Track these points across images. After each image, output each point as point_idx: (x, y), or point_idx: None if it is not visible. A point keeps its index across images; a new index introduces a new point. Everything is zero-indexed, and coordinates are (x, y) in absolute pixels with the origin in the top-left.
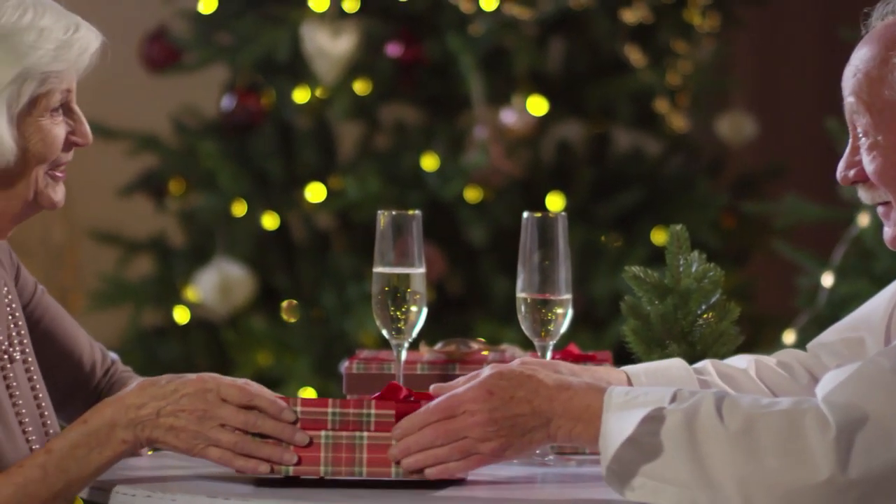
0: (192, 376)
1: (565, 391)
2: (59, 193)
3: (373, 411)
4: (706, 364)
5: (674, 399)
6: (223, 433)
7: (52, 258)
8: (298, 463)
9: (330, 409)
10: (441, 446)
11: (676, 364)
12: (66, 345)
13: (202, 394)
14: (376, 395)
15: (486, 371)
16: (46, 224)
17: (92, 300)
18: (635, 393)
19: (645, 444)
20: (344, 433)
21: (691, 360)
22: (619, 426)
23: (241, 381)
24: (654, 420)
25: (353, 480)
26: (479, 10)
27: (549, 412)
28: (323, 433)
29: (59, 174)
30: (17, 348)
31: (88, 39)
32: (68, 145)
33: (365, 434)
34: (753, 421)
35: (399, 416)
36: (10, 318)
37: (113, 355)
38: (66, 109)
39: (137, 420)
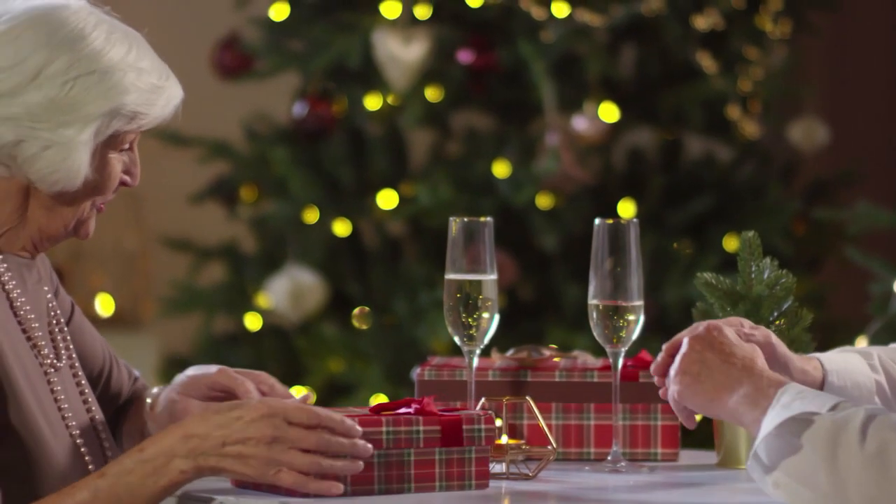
0: (255, 401)
1: (762, 370)
2: (92, 225)
3: (421, 427)
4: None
5: (833, 409)
6: (296, 456)
7: (124, 265)
8: (356, 483)
9: (384, 429)
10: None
11: (854, 360)
12: (98, 366)
13: (268, 419)
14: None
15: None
16: (118, 232)
17: (163, 307)
18: (804, 394)
19: (790, 442)
20: (394, 451)
21: None
22: (772, 421)
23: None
24: (804, 422)
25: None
26: (551, 17)
27: (748, 380)
28: (376, 452)
29: (102, 207)
30: (63, 354)
31: (175, 91)
32: (120, 184)
33: (412, 451)
34: (888, 444)
35: (444, 431)
36: (54, 325)
37: (135, 373)
38: (129, 149)
39: (200, 450)
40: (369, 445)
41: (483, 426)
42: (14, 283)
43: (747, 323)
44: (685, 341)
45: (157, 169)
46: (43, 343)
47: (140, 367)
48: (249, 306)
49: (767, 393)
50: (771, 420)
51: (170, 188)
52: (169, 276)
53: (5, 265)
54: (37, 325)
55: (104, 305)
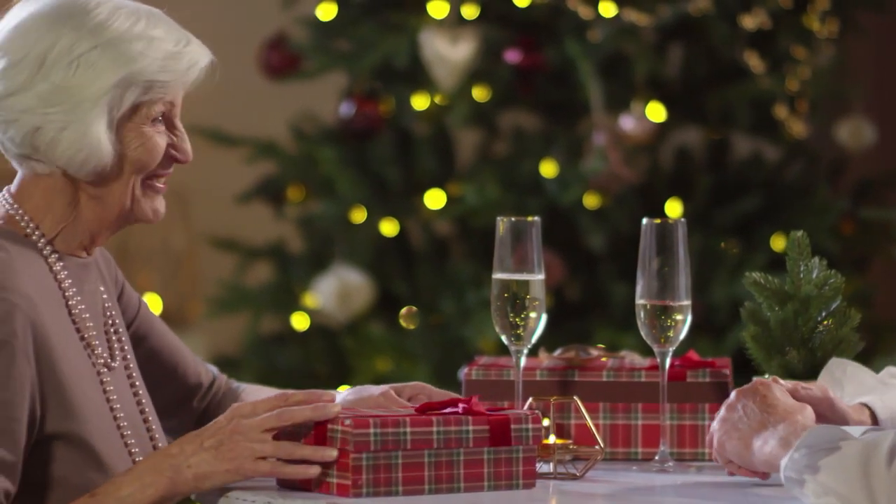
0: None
1: (803, 419)
2: (157, 205)
3: (470, 427)
4: None
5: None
6: (265, 444)
7: (171, 265)
8: (407, 483)
9: (435, 429)
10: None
11: None
12: (171, 361)
13: (234, 412)
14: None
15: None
16: (166, 231)
17: (211, 307)
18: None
19: (823, 452)
20: (444, 451)
21: (811, 366)
22: (803, 440)
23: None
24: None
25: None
26: (598, 17)
27: (784, 425)
28: (426, 451)
29: (158, 185)
30: (118, 355)
31: (198, 55)
32: (168, 159)
33: (462, 451)
34: None
35: (493, 431)
36: (111, 326)
37: (213, 368)
38: (169, 124)
39: (180, 457)
40: (334, 407)
41: (530, 426)
42: (70, 282)
43: (802, 384)
44: (732, 393)
45: (204, 169)
46: (97, 343)
47: None
48: (297, 306)
49: (800, 434)
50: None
51: (217, 188)
52: (216, 276)
53: (62, 263)
54: (91, 323)
55: (152, 305)
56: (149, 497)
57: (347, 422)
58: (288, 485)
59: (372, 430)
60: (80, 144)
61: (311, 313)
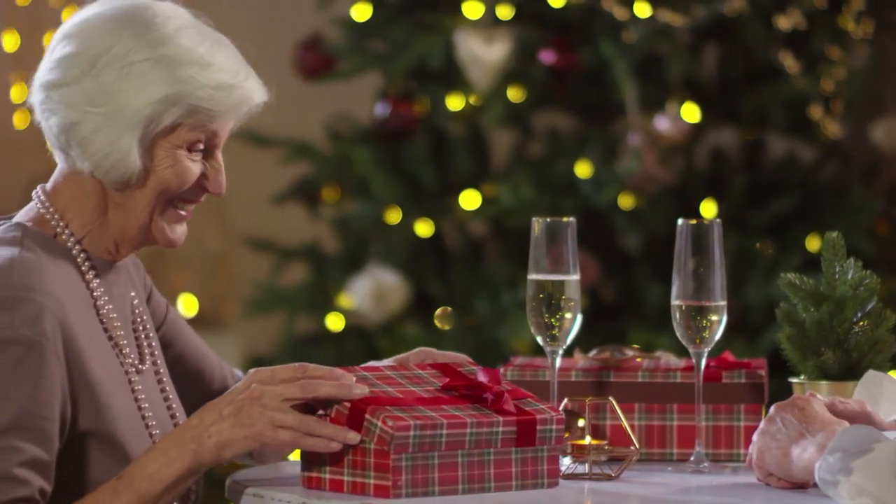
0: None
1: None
2: (177, 233)
3: (500, 429)
4: None
5: None
6: (287, 415)
7: (206, 266)
8: (443, 483)
9: (469, 431)
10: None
11: None
12: (197, 366)
13: (252, 377)
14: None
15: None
16: (201, 232)
17: (246, 308)
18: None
19: (857, 454)
20: (476, 451)
21: (846, 367)
22: (836, 441)
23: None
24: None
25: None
26: (633, 17)
27: (822, 433)
28: (459, 452)
29: (181, 212)
30: (148, 359)
31: (252, 92)
32: (199, 189)
33: (491, 451)
34: None
35: (520, 431)
36: (140, 328)
37: (238, 373)
38: (208, 153)
39: (200, 427)
40: (360, 388)
41: (554, 426)
42: (97, 282)
43: (839, 399)
44: (772, 408)
45: (239, 170)
46: (125, 343)
47: None
48: (332, 307)
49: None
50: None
51: (252, 189)
52: (251, 277)
53: (90, 263)
54: (119, 324)
55: (187, 306)
56: (175, 471)
57: (390, 423)
58: (313, 484)
59: (412, 434)
60: (110, 149)
61: (346, 314)
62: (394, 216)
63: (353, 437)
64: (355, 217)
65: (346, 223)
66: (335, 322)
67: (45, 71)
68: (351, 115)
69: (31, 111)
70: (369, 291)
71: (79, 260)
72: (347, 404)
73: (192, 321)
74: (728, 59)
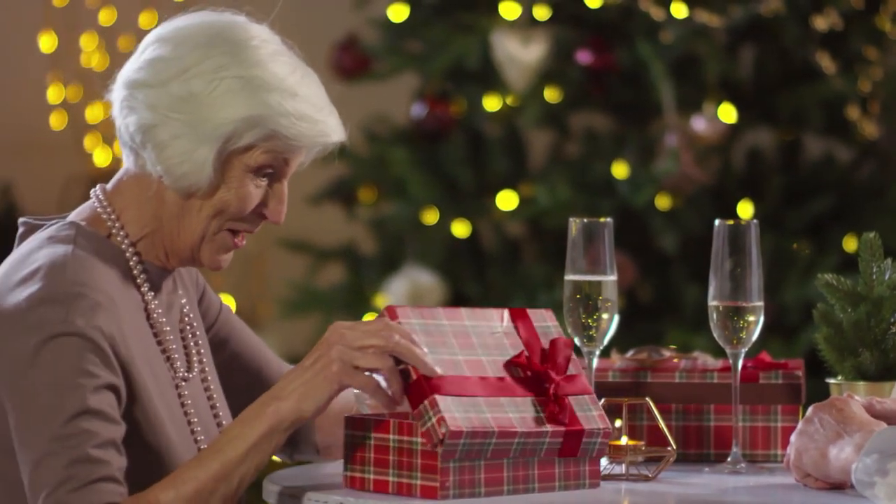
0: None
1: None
2: (221, 257)
3: (547, 440)
4: None
5: None
6: (367, 356)
7: (242, 267)
8: (489, 484)
9: (516, 441)
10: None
11: None
12: (255, 365)
13: (335, 326)
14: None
15: None
16: None
17: (282, 308)
18: None
19: (893, 455)
20: (521, 459)
21: (883, 368)
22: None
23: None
24: None
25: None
26: (670, 18)
27: (860, 434)
28: (506, 460)
29: (236, 240)
30: (196, 367)
31: (332, 129)
32: (258, 216)
33: (535, 460)
34: None
35: (566, 443)
36: (189, 336)
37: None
38: (275, 181)
39: (283, 385)
40: (436, 368)
41: (599, 440)
42: (148, 286)
43: (877, 399)
44: (810, 409)
45: None
46: (174, 347)
47: None
48: (368, 307)
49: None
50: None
51: (289, 189)
52: (288, 278)
53: (141, 266)
54: (168, 328)
55: None
56: (257, 432)
57: (443, 429)
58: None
59: (462, 441)
60: (186, 157)
61: None
62: (430, 217)
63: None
64: (392, 217)
65: (383, 224)
66: None
67: (132, 69)
68: (388, 115)
69: (106, 105)
70: (406, 292)
71: (131, 263)
72: (414, 376)
73: None
74: (765, 60)
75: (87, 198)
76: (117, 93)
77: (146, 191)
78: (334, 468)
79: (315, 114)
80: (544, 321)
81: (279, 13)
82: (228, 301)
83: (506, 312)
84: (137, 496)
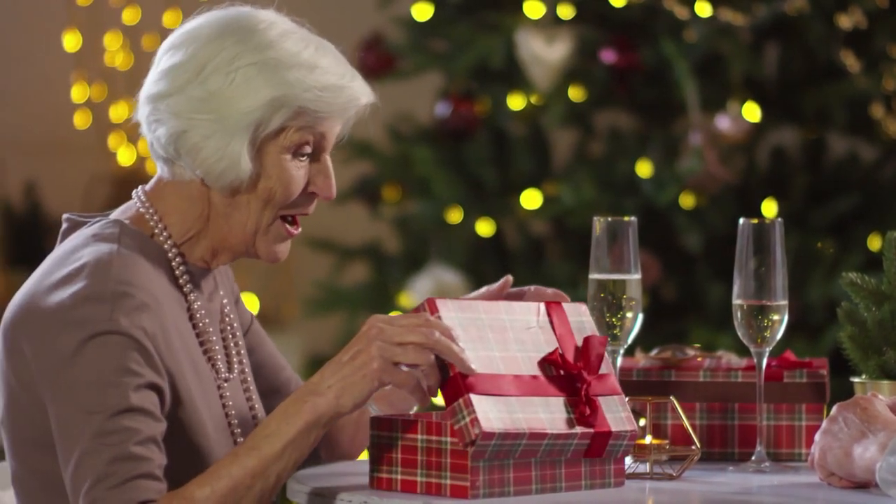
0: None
1: None
2: (279, 248)
3: (575, 441)
4: None
5: None
6: (407, 352)
7: (267, 266)
8: (517, 483)
9: (546, 442)
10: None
11: None
12: (276, 377)
13: (373, 319)
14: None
15: None
16: None
17: (306, 307)
18: None
19: None
20: (548, 460)
21: None
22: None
23: None
24: None
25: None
26: (694, 16)
27: (884, 432)
28: (533, 460)
29: (291, 228)
30: (236, 368)
31: (359, 92)
32: (308, 196)
33: (562, 459)
34: None
35: (593, 444)
36: (229, 336)
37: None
38: (316, 157)
39: (320, 381)
40: (473, 365)
41: (625, 443)
42: (190, 286)
43: None
44: (834, 408)
45: None
46: (216, 349)
47: None
48: (392, 306)
49: None
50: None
51: None
52: (312, 277)
53: (184, 266)
54: (211, 328)
55: (249, 305)
56: (294, 427)
57: (476, 429)
58: (384, 485)
59: (493, 443)
60: (222, 154)
61: None
62: (455, 216)
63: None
64: (416, 216)
65: (408, 222)
66: None
67: (151, 83)
68: (412, 114)
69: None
70: (430, 291)
71: (173, 263)
72: (451, 372)
73: None
74: (789, 59)
75: (113, 196)
76: (142, 110)
77: (188, 194)
78: (359, 468)
79: (338, 81)
80: (579, 315)
81: (304, 12)
82: (253, 300)
83: (542, 306)
84: (174, 493)
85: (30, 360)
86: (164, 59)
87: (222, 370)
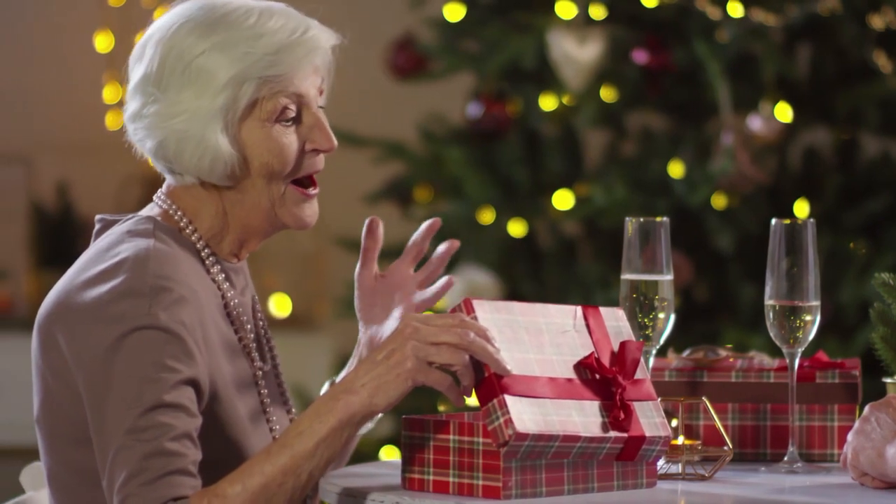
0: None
1: None
2: (304, 212)
3: (608, 446)
4: None
5: None
6: (442, 352)
7: (299, 266)
8: (549, 484)
9: (578, 445)
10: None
11: None
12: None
13: (407, 318)
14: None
15: None
16: (293, 232)
17: (338, 307)
18: None
19: None
20: (580, 461)
21: None
22: None
23: None
24: None
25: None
26: (726, 17)
27: None
28: (565, 461)
29: (307, 191)
30: (269, 360)
31: (317, 40)
32: (311, 154)
33: (595, 461)
34: None
35: (626, 448)
36: (261, 328)
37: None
38: (302, 117)
39: (353, 380)
40: (509, 365)
41: (658, 447)
42: (227, 285)
43: None
44: (866, 408)
45: (332, 169)
46: (253, 345)
47: (315, 367)
48: None
49: None
50: None
51: (345, 188)
52: (344, 277)
53: (213, 258)
54: (249, 325)
55: (280, 305)
56: (327, 426)
57: (509, 430)
58: (416, 486)
59: (526, 444)
60: (202, 150)
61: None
62: (486, 216)
63: (508, 370)
64: (448, 217)
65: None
66: None
67: (127, 102)
68: (443, 115)
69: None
70: (462, 291)
71: (203, 254)
72: (486, 373)
73: (284, 321)
74: (821, 59)
75: (145, 197)
76: (129, 130)
77: (197, 196)
78: (390, 469)
79: (288, 38)
80: (616, 320)
81: (335, 13)
82: (285, 300)
83: (579, 310)
84: (206, 490)
85: (66, 356)
86: (132, 77)
87: (258, 362)
